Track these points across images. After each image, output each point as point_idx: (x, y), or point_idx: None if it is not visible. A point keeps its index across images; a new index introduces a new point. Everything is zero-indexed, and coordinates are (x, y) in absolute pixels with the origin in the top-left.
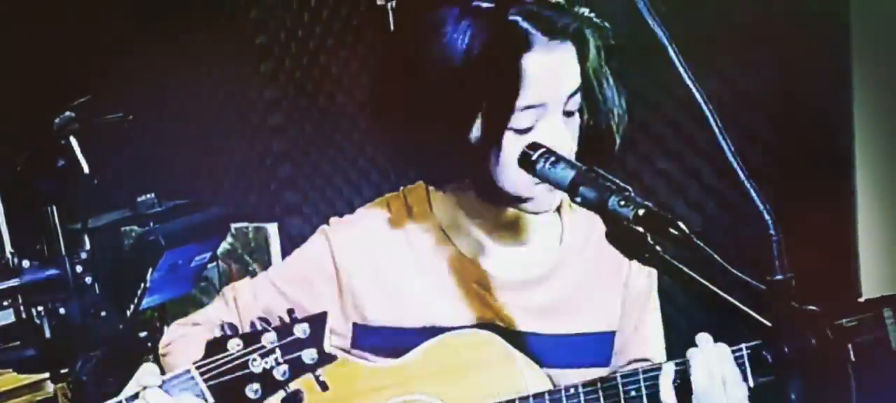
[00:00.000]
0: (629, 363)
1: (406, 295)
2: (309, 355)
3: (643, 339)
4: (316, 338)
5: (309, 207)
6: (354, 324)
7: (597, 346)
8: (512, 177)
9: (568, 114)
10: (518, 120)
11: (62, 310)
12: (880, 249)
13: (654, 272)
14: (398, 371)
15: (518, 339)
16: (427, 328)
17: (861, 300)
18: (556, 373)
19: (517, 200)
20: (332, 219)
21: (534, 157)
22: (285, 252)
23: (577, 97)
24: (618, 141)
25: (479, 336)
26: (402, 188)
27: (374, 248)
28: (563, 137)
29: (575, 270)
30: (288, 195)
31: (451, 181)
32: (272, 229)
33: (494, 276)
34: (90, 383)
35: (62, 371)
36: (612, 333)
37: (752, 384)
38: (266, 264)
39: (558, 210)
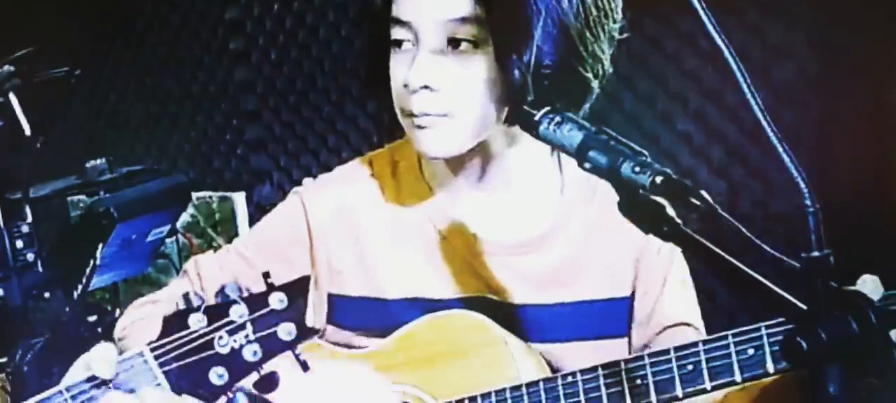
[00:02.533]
0: (662, 331)
1: (388, 262)
2: (286, 330)
3: (675, 301)
4: (295, 310)
5: (281, 174)
6: (330, 295)
7: (607, 315)
8: (395, 100)
9: (454, 43)
10: (394, 32)
11: (0, 291)
12: None
13: None
14: (376, 359)
15: (514, 313)
16: (410, 299)
17: None
18: (560, 348)
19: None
20: (306, 180)
21: (537, 117)
22: (254, 224)
23: (470, 27)
24: (594, 88)
25: (466, 318)
26: (388, 145)
27: (353, 210)
28: (426, 70)
29: (579, 227)
30: (257, 160)
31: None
32: (239, 199)
33: (485, 240)
34: (32, 373)
35: (0, 360)
36: (626, 299)
37: (772, 369)
38: (232, 238)
39: (558, 158)
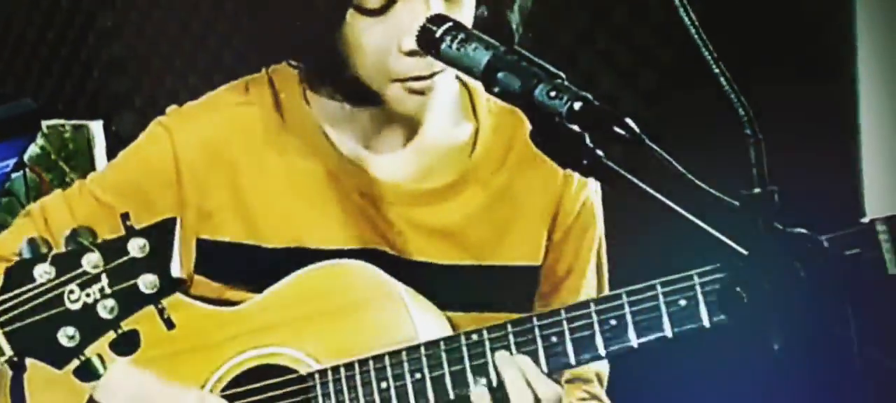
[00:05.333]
0: None
1: (268, 205)
2: (148, 281)
3: (577, 285)
4: (158, 257)
5: (144, 99)
6: (200, 241)
7: (513, 284)
8: (364, 66)
9: None
10: None
11: None
12: (888, 157)
13: (597, 193)
14: (250, 317)
15: (410, 271)
16: (293, 249)
17: (865, 220)
18: (458, 318)
19: (368, 99)
20: (171, 109)
21: (437, 34)
22: (112, 157)
23: None
24: (518, 25)
25: (355, 270)
26: (266, 69)
27: (227, 144)
28: None
29: (489, 184)
30: (117, 83)
31: (305, 62)
32: (96, 128)
33: (383, 184)
34: None
35: None
36: (535, 268)
37: (707, 323)
38: (87, 173)
39: (473, 104)
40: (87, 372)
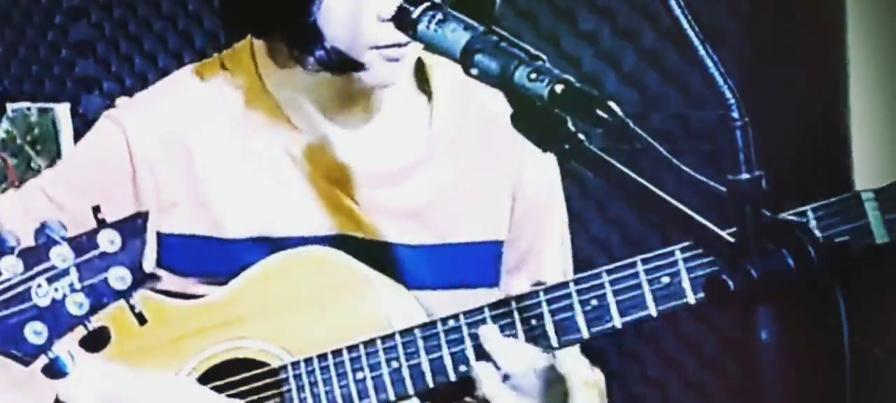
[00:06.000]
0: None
1: (230, 195)
2: (118, 276)
3: (542, 257)
4: (129, 252)
5: (111, 81)
6: (160, 235)
7: (480, 260)
8: (337, 34)
9: None
10: None
11: None
12: (880, 139)
13: (555, 167)
14: (218, 309)
15: (378, 253)
16: (254, 239)
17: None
18: (429, 297)
19: (351, 67)
20: (121, 100)
21: (414, 14)
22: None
23: None
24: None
25: (320, 256)
26: (218, 54)
27: (183, 133)
28: None
29: (449, 161)
30: (83, 65)
31: (277, 32)
32: (62, 111)
33: (347, 167)
34: None
35: None
36: (499, 243)
37: (692, 300)
38: (54, 158)
39: (426, 81)
40: (56, 370)
